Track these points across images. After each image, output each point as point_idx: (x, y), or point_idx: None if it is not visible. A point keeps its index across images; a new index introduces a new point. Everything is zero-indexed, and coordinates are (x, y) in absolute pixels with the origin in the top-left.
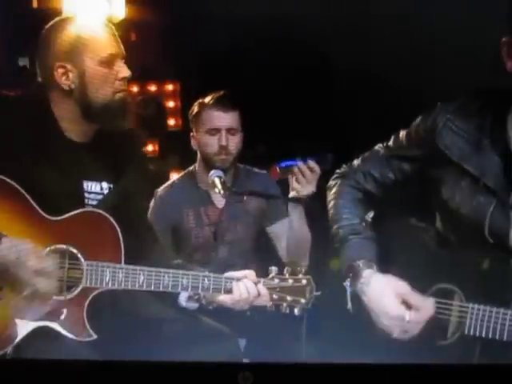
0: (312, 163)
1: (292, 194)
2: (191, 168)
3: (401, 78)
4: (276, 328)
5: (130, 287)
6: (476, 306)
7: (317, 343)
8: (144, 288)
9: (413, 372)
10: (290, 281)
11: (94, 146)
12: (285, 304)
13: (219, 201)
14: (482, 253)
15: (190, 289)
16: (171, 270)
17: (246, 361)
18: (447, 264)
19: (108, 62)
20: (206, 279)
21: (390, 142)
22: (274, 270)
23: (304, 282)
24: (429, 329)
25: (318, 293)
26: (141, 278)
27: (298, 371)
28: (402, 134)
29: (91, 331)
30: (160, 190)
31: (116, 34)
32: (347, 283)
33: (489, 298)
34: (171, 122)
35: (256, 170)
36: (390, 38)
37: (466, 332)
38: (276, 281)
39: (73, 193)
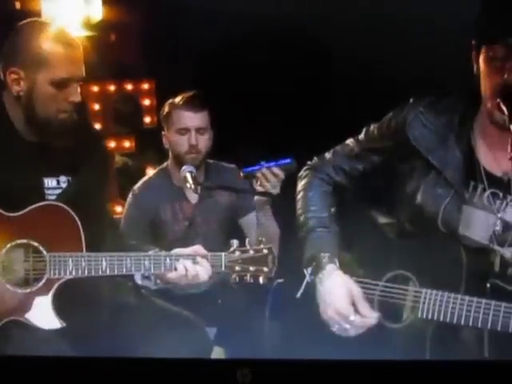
0: (276, 169)
1: (256, 199)
2: (164, 165)
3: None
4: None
5: (93, 274)
6: (429, 290)
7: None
8: (108, 273)
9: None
10: (251, 251)
11: (48, 144)
12: (248, 274)
13: (192, 196)
14: (435, 241)
15: (152, 269)
16: (132, 253)
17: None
18: (403, 251)
19: (59, 84)
20: (167, 259)
21: (361, 136)
22: (235, 242)
23: (265, 251)
24: (384, 313)
25: (281, 280)
26: (103, 263)
27: (297, 368)
28: (373, 127)
29: (58, 320)
30: (136, 187)
31: (82, 54)
32: (308, 271)
33: (440, 284)
34: (147, 119)
35: (225, 164)
36: (361, 38)
37: (419, 315)
38: (237, 253)
39: (32, 189)
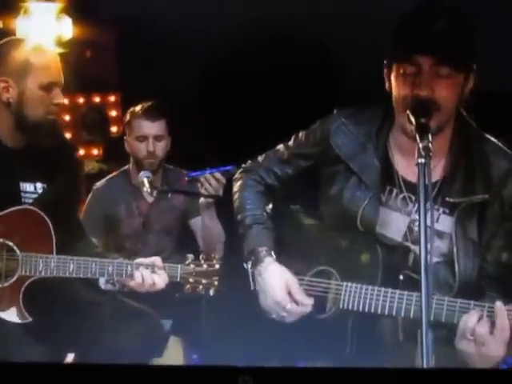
0: (218, 174)
1: (200, 202)
2: (126, 167)
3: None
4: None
5: (61, 274)
6: (349, 283)
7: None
8: (74, 275)
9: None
10: (205, 266)
11: (28, 151)
12: (201, 286)
13: (149, 196)
14: (355, 239)
15: (115, 275)
16: (97, 259)
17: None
18: (327, 249)
19: (46, 88)
20: (128, 266)
21: (291, 142)
22: (190, 257)
23: (217, 266)
24: (314, 304)
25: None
26: (71, 266)
27: (298, 375)
28: (302, 134)
29: (26, 314)
30: (97, 183)
31: (60, 63)
32: (248, 265)
33: (360, 277)
34: (114, 129)
35: (183, 171)
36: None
37: (341, 306)
38: (192, 266)
39: (9, 193)
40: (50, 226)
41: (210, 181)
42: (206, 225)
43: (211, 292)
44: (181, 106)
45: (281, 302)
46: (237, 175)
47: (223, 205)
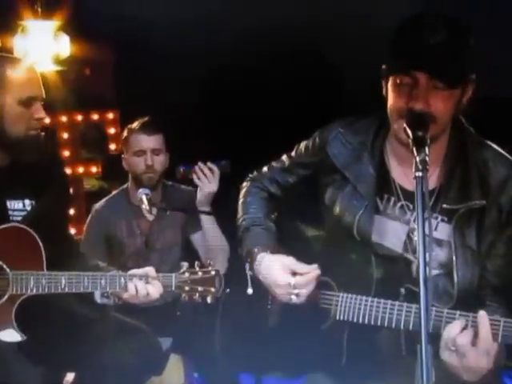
0: (210, 164)
1: (198, 197)
2: (125, 186)
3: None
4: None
5: (53, 291)
6: (344, 294)
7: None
8: (66, 290)
9: None
10: (200, 273)
11: (14, 168)
12: (197, 294)
13: (149, 214)
14: (352, 249)
15: (108, 288)
16: (89, 273)
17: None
18: (327, 259)
19: (26, 103)
20: (121, 279)
21: (293, 152)
22: (184, 265)
23: (213, 273)
24: (311, 315)
25: (227, 290)
26: (62, 281)
27: None
28: (303, 144)
29: (20, 333)
30: (97, 205)
31: (40, 78)
32: (246, 267)
33: (355, 288)
34: (112, 146)
35: (182, 186)
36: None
37: (338, 317)
38: (187, 274)
39: None
40: (40, 243)
41: (204, 170)
42: (207, 238)
43: (208, 299)
44: (179, 121)
45: (284, 283)
46: (243, 184)
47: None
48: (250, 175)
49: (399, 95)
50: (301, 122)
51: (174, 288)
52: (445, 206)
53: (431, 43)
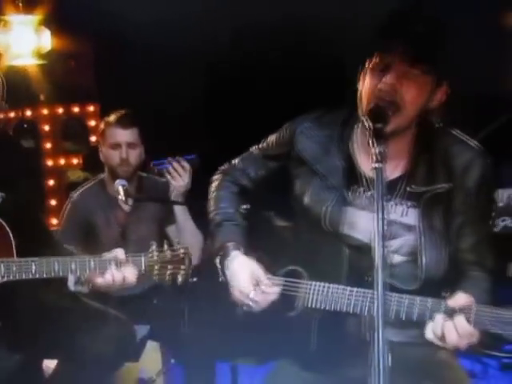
0: (182, 160)
1: (173, 195)
2: (101, 176)
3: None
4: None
5: (24, 277)
6: (316, 283)
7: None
8: (37, 276)
9: None
10: (168, 253)
11: None
12: (167, 274)
13: (125, 205)
14: (323, 240)
15: (78, 272)
16: (59, 258)
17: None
18: (298, 249)
19: None
20: (91, 262)
21: (263, 144)
22: (153, 245)
23: (181, 250)
24: (280, 303)
25: (195, 279)
26: (33, 267)
27: None
28: (271, 137)
29: None
30: (74, 194)
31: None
32: (217, 260)
33: (326, 277)
34: (93, 138)
35: (157, 178)
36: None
37: (308, 305)
38: (156, 255)
39: None
40: (9, 232)
41: (177, 168)
42: (181, 229)
43: (179, 278)
44: (156, 114)
45: (245, 292)
46: (214, 177)
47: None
48: (221, 168)
49: (372, 78)
50: (280, 117)
51: (143, 268)
52: (409, 189)
53: (409, 29)
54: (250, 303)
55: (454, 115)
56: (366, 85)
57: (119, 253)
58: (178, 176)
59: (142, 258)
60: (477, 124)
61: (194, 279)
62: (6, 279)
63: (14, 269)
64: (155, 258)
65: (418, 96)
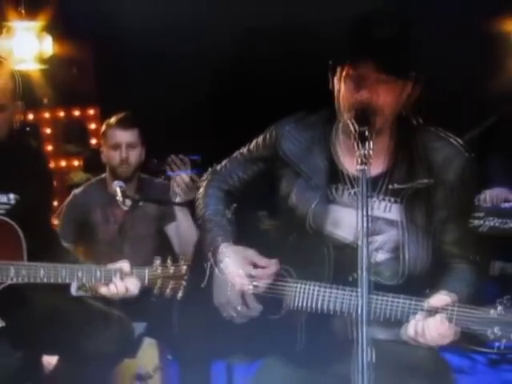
0: (193, 176)
1: (177, 198)
2: (103, 176)
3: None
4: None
5: (32, 281)
6: (299, 283)
7: None
8: (45, 281)
9: None
10: (172, 269)
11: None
12: (168, 289)
13: (123, 205)
14: (308, 239)
15: (84, 280)
16: (67, 265)
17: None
18: (285, 249)
19: None
20: (97, 272)
21: (250, 146)
22: (157, 260)
23: (183, 268)
24: (269, 302)
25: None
26: (41, 272)
27: None
28: (256, 140)
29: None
30: (76, 191)
31: (7, 87)
32: (209, 254)
33: (312, 277)
34: (93, 141)
35: (156, 180)
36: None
37: (294, 305)
38: (159, 269)
39: None
40: (21, 234)
41: (185, 180)
42: (180, 229)
43: (179, 294)
44: (156, 116)
45: (245, 273)
46: (203, 177)
47: None
48: (211, 169)
49: (348, 87)
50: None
51: (146, 282)
52: (391, 186)
53: (378, 37)
54: (234, 315)
55: (437, 114)
56: (342, 92)
57: (124, 265)
58: (186, 188)
59: (146, 272)
60: (463, 124)
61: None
62: (14, 281)
63: (24, 272)
64: (159, 272)
65: (392, 100)
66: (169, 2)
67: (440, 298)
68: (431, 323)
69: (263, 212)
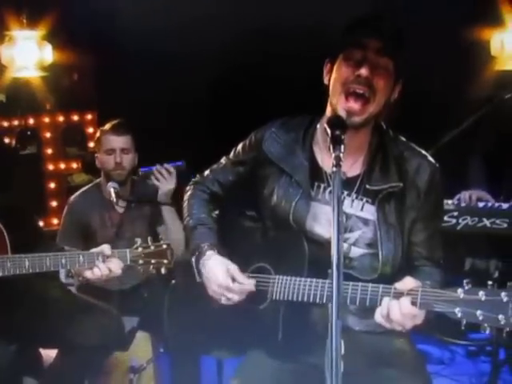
0: (168, 166)
1: (159, 195)
2: (98, 180)
3: None
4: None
5: (18, 272)
6: (281, 277)
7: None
8: (30, 271)
9: None
10: (152, 247)
11: None
12: (151, 266)
13: (119, 207)
14: (287, 236)
15: (68, 266)
16: (51, 253)
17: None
18: (265, 247)
19: None
20: (80, 257)
21: (231, 154)
22: (138, 240)
23: (164, 246)
24: (251, 297)
25: (173, 281)
26: (26, 263)
27: None
28: (240, 144)
29: None
30: (72, 197)
31: None
32: (193, 260)
33: (289, 271)
34: (91, 144)
35: (150, 182)
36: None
37: (274, 297)
38: (140, 249)
39: None
40: (4, 230)
41: (162, 171)
42: (169, 228)
43: (162, 270)
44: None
45: (223, 284)
46: (187, 187)
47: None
48: (194, 179)
49: (347, 67)
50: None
51: (128, 262)
52: (368, 187)
53: (378, 22)
54: (228, 295)
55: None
56: (341, 74)
57: (105, 248)
58: (163, 179)
59: (127, 252)
60: (444, 127)
61: (173, 281)
62: (1, 274)
63: (9, 265)
64: (140, 250)
65: (385, 86)
66: (167, 12)
67: (405, 282)
68: (395, 305)
69: (247, 209)
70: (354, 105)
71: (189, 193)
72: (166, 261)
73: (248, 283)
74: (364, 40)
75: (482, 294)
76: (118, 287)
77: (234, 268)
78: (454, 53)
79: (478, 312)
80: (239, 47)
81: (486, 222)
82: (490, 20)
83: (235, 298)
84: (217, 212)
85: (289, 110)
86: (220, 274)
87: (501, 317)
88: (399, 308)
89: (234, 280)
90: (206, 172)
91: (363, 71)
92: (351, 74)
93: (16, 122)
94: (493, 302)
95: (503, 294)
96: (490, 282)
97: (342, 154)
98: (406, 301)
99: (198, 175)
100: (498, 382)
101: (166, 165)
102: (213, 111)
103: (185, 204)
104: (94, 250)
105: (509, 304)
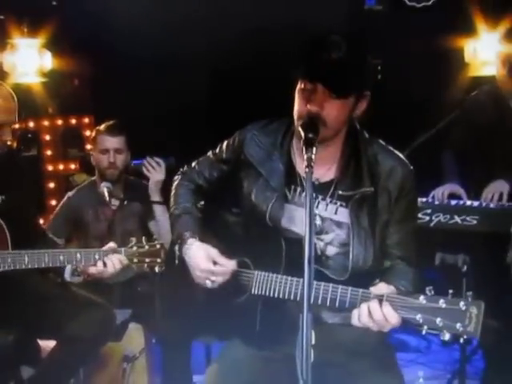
0: (157, 159)
1: (150, 190)
2: (93, 178)
3: None
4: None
5: (17, 267)
6: (259, 272)
7: None
8: (29, 266)
9: None
10: (147, 246)
11: None
12: (145, 265)
13: (113, 203)
14: (265, 234)
15: (66, 263)
16: (49, 250)
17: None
18: (244, 243)
19: None
20: (77, 254)
21: (217, 149)
22: (133, 240)
23: (158, 246)
24: (231, 290)
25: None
26: (25, 258)
27: None
28: (225, 142)
29: None
30: (70, 192)
31: (13, 104)
32: (176, 247)
33: (268, 267)
34: (88, 146)
35: (144, 182)
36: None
37: (252, 292)
38: (135, 248)
39: None
40: (5, 228)
41: (152, 163)
42: (159, 224)
43: (156, 269)
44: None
45: (206, 268)
46: (175, 177)
47: None
48: (181, 170)
49: (301, 99)
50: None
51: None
52: (340, 192)
53: (329, 59)
54: (211, 278)
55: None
56: (296, 103)
57: (113, 245)
58: (153, 169)
59: (123, 251)
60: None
61: (162, 268)
62: (1, 269)
63: (9, 260)
64: (134, 249)
65: (338, 115)
66: (164, 19)
67: (376, 288)
68: (364, 309)
69: (226, 208)
70: (310, 133)
71: (176, 182)
72: (159, 260)
73: (229, 264)
74: (311, 75)
75: (442, 302)
76: (112, 281)
77: (214, 252)
78: (430, 59)
79: (438, 319)
80: (231, 47)
81: (458, 219)
82: (464, 29)
83: (219, 279)
84: (202, 203)
85: (282, 110)
86: (201, 259)
87: (458, 325)
88: (367, 312)
89: (215, 263)
90: (193, 163)
91: (312, 108)
92: (303, 108)
93: (17, 126)
94: (452, 310)
95: (462, 303)
96: (450, 291)
97: (313, 156)
98: (375, 305)
99: (186, 166)
100: (466, 369)
101: (155, 158)
102: (205, 111)
103: (172, 193)
104: (104, 247)
105: (466, 313)
